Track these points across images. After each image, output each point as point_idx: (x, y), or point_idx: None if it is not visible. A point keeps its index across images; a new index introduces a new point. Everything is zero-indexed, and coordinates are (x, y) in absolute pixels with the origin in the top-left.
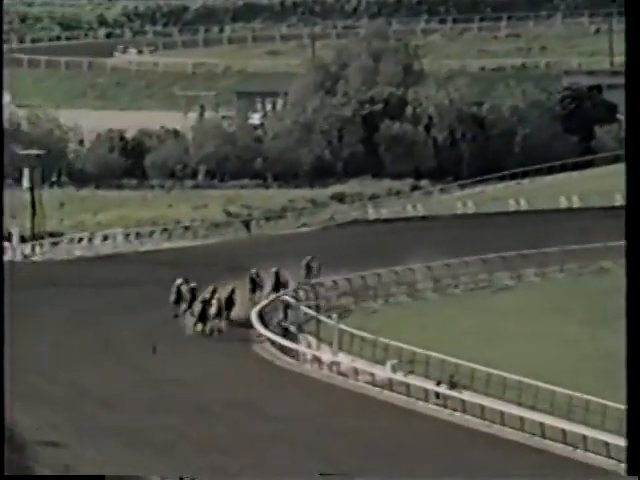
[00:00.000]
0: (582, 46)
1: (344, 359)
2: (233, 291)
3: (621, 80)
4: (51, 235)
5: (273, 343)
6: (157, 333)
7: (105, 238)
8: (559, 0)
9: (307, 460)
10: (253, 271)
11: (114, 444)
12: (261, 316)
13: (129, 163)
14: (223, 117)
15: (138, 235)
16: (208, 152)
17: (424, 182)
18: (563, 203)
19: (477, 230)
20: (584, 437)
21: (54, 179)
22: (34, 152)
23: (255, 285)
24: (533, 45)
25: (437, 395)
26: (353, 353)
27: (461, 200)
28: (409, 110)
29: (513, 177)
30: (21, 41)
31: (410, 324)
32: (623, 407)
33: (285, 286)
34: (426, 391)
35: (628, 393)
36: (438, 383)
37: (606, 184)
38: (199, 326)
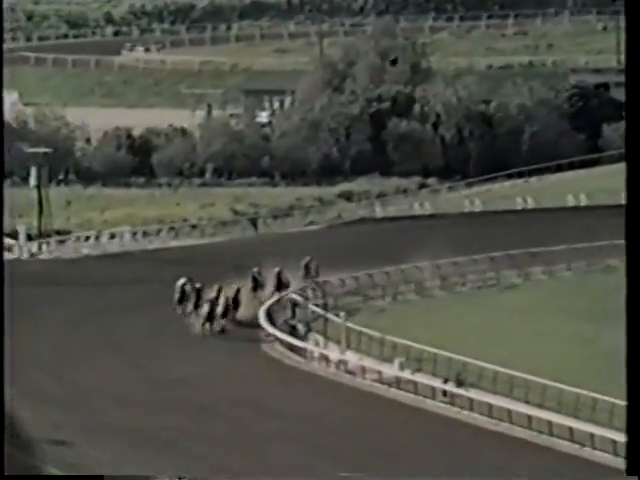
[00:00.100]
0: (589, 44)
1: (352, 357)
2: (238, 290)
3: None
4: (58, 233)
5: (281, 342)
6: (164, 332)
7: (112, 236)
8: None
9: (315, 458)
10: (255, 270)
11: (125, 444)
12: (268, 315)
13: (136, 161)
14: (231, 115)
15: (145, 233)
16: (215, 150)
17: (432, 180)
18: (570, 201)
19: (484, 228)
20: (591, 435)
21: (61, 177)
22: (41, 150)
23: (257, 284)
24: (540, 43)
25: (444, 393)
26: (361, 351)
27: (468, 198)
28: (417, 108)
29: (520, 175)
30: (28, 39)
31: (418, 322)
32: None
33: (287, 286)
34: (433, 389)
35: (628, 393)
36: (445, 381)
37: (613, 182)
38: (207, 326)
